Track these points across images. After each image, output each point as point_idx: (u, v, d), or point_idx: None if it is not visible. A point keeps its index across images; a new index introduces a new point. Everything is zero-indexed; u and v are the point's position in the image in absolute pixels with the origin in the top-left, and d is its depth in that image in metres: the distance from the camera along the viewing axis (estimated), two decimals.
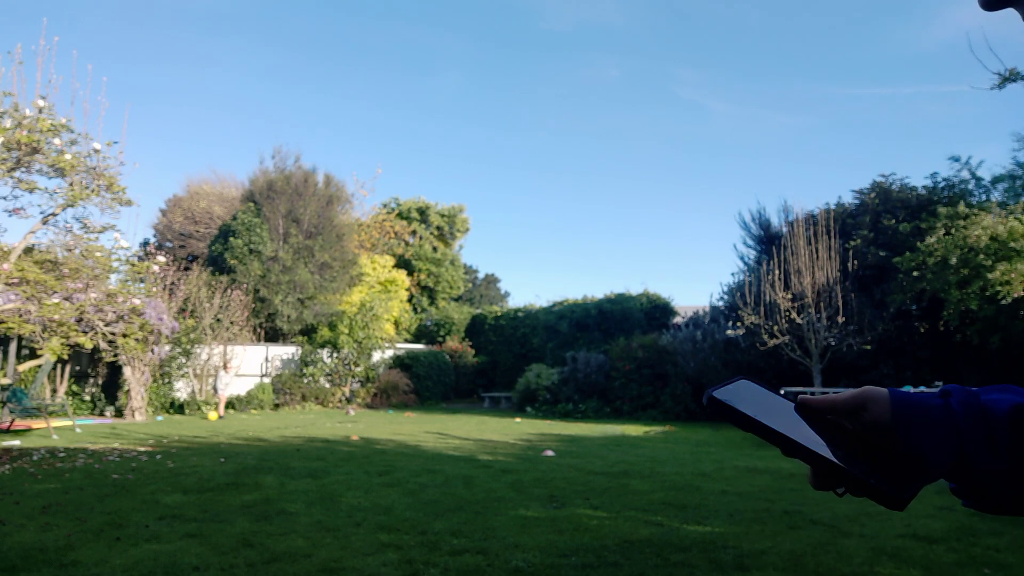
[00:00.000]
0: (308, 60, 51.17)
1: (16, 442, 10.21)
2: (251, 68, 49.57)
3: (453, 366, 22.74)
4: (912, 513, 5.73)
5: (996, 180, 16.30)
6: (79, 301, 11.56)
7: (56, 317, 10.92)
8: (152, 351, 14.86)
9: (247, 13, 48.36)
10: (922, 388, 11.06)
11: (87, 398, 15.61)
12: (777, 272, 14.74)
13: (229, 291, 18.26)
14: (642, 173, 55.09)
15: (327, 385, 19.51)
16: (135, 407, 14.72)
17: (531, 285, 65.27)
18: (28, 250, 11.54)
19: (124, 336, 12.67)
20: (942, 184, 15.66)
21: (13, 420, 11.75)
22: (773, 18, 47.72)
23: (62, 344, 11.32)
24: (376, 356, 21.00)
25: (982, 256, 12.54)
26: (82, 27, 38.36)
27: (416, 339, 25.69)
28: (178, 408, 16.37)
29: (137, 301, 12.66)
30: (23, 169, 10.28)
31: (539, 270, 57.67)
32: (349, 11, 51.03)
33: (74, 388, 15.59)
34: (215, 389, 16.72)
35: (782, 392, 0.70)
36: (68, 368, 15.31)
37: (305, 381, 19.00)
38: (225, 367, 17.00)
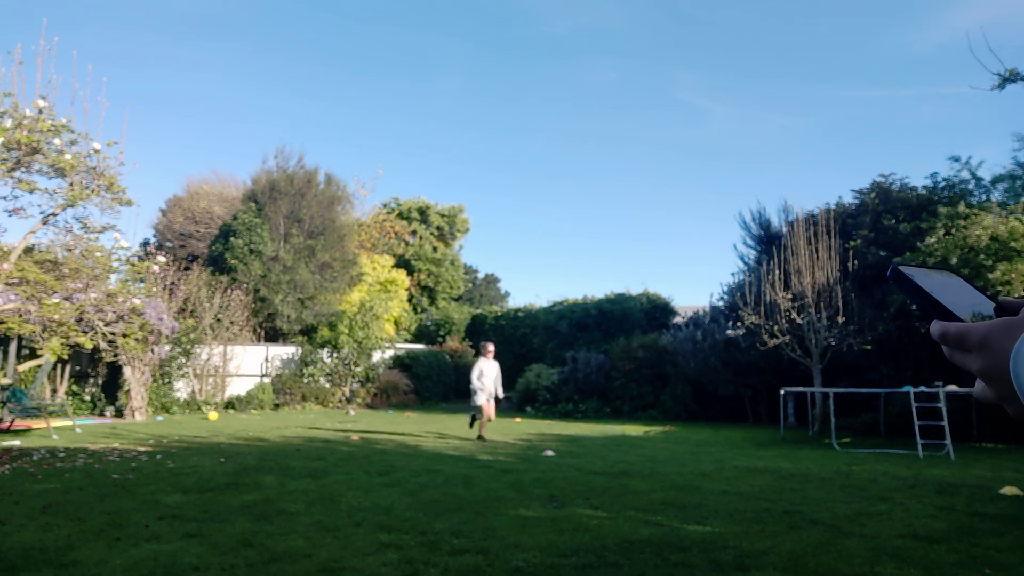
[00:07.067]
0: (310, 64, 51.23)
1: (16, 442, 10.21)
2: (252, 71, 49.63)
3: (453, 366, 22.73)
4: (912, 513, 5.72)
5: (996, 180, 16.30)
6: (79, 301, 11.55)
7: (56, 317, 10.91)
8: (152, 351, 14.86)
9: (249, 17, 48.39)
10: (923, 388, 11.06)
11: (87, 398, 15.60)
12: (777, 272, 14.71)
13: (229, 291, 18.26)
14: (642, 174, 55.13)
15: (327, 385, 19.50)
16: (135, 407, 14.72)
17: (531, 285, 65.23)
18: (28, 250, 11.53)
19: (124, 336, 12.67)
20: (942, 184, 15.64)
21: (13, 420, 11.75)
22: (772, 20, 47.69)
23: (62, 344, 11.31)
24: (376, 356, 20.99)
25: (983, 256, 12.53)
26: (83, 30, 38.38)
27: (416, 339, 25.67)
28: (178, 408, 16.37)
29: (137, 301, 12.65)
30: (23, 169, 10.27)
31: (539, 270, 57.72)
32: (350, 16, 51.07)
33: (74, 388, 15.58)
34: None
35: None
36: (68, 368, 15.31)
37: (305, 381, 19.00)
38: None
